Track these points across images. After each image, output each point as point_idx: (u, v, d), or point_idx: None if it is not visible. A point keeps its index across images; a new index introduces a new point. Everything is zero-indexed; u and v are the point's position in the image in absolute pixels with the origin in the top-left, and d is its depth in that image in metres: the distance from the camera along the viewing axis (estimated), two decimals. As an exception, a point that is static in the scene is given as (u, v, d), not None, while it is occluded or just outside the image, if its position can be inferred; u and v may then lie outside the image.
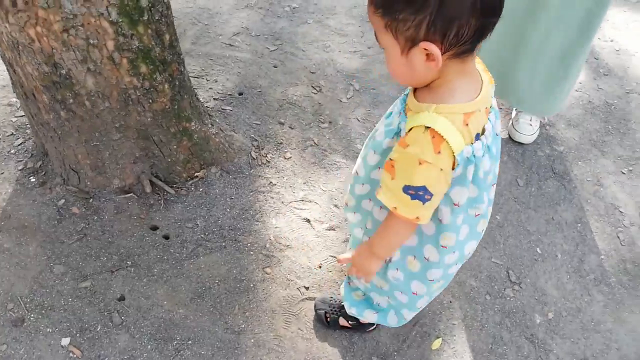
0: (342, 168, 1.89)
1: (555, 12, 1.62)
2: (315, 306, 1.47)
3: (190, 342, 1.39)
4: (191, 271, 1.53)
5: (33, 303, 1.43)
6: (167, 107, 1.57)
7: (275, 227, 1.68)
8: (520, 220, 1.80)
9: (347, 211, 1.20)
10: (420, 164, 0.80)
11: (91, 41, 1.30)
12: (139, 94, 1.49)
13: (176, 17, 2.39)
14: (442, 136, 0.79)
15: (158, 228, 1.63)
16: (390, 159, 0.85)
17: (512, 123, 2.07)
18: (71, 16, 1.24)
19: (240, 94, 2.10)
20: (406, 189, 0.83)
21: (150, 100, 1.52)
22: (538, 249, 1.72)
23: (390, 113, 0.97)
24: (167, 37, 1.46)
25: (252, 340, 1.42)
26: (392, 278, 1.11)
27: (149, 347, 1.37)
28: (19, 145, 1.83)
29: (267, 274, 1.56)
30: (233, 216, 1.68)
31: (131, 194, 1.68)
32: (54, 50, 1.30)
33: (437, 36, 0.74)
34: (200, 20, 2.49)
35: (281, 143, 1.93)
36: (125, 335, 1.38)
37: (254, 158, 1.85)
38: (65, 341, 1.36)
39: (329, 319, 1.43)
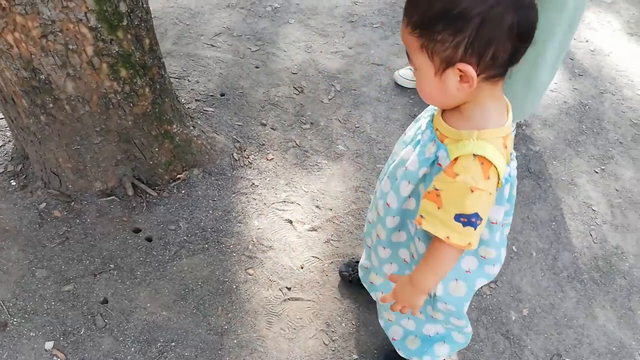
0: (324, 169, 1.92)
1: (551, 16, 1.60)
2: (340, 270, 1.58)
3: (173, 344, 1.41)
4: (174, 273, 1.55)
5: (16, 307, 1.43)
6: (148, 110, 1.58)
7: (258, 229, 1.70)
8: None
9: (379, 244, 1.17)
10: (472, 191, 0.81)
11: (70, 47, 1.31)
12: (119, 98, 1.49)
13: (157, 17, 2.39)
14: (491, 162, 0.80)
15: (140, 230, 1.64)
16: (436, 189, 0.85)
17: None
18: (49, 22, 1.24)
19: (222, 95, 2.11)
20: (458, 217, 0.84)
21: (131, 104, 1.53)
22: (514, 247, 1.77)
23: (418, 141, 0.95)
24: (147, 41, 1.47)
25: (235, 341, 1.44)
26: (444, 309, 1.13)
27: (132, 349, 1.38)
28: (-2, 148, 1.81)
29: (250, 275, 1.58)
30: (215, 218, 1.70)
31: (113, 197, 1.68)
32: (33, 56, 1.30)
33: (474, 58, 0.75)
34: (182, 20, 2.49)
35: (263, 144, 1.95)
36: (108, 339, 1.40)
37: (236, 159, 1.87)
38: (49, 345, 1.37)
39: (350, 279, 1.55)
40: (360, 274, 1.46)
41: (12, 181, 1.71)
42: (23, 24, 1.23)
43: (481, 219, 0.84)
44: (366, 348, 1.48)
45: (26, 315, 1.42)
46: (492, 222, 0.94)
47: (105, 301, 1.47)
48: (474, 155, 0.81)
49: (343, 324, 1.52)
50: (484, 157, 0.80)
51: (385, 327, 1.35)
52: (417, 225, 0.91)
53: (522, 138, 2.16)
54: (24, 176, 1.72)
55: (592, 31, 2.79)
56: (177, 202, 1.72)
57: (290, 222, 1.74)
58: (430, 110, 0.99)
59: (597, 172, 2.08)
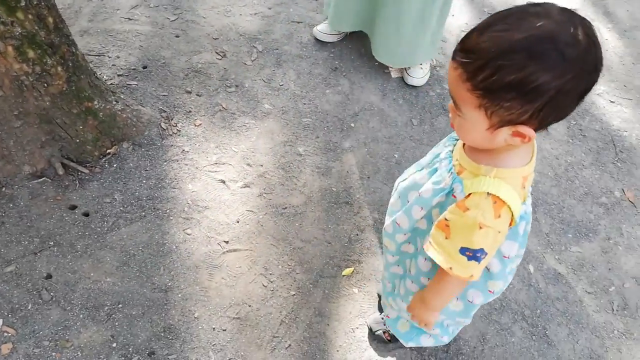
0: (252, 129, 2.01)
1: None
2: (371, 329, 1.52)
3: (120, 305, 1.51)
4: (114, 242, 1.63)
5: (-40, 294, 1.49)
6: (64, 89, 1.61)
7: (192, 192, 1.79)
8: (416, 156, 2.00)
9: (387, 253, 1.22)
10: (480, 228, 0.81)
11: (-31, 32, 1.31)
12: (32, 80, 1.51)
13: (67, -5, 2.34)
14: (504, 202, 0.80)
15: (77, 207, 1.69)
16: (446, 219, 0.86)
17: (405, 68, 2.24)
18: (-59, 9, 1.24)
19: (145, 67, 2.13)
20: (463, 250, 0.84)
21: (46, 85, 1.55)
22: (432, 179, 1.94)
23: (435, 169, 0.95)
24: (51, 19, 1.48)
25: (180, 295, 1.55)
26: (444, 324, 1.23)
27: (81, 316, 1.47)
28: None
29: (188, 234, 1.68)
30: (150, 186, 1.77)
31: (44, 178, 1.72)
32: None
33: (537, 122, 0.74)
34: (95, -4, 2.44)
35: (190, 111, 2.01)
36: (56, 310, 1.48)
37: (164, 129, 1.93)
38: (-1, 323, 1.44)
39: (389, 337, 1.50)
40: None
41: (-63, 175, 1.71)
42: None
43: (486, 254, 0.85)
44: (302, 284, 1.62)
45: (-28, 300, 1.48)
46: (505, 257, 0.96)
47: (49, 276, 1.54)
48: (487, 193, 0.80)
49: (280, 266, 1.65)
50: (497, 197, 0.80)
51: (384, 305, 1.43)
52: (426, 250, 0.92)
53: (437, 79, 2.30)
54: (-51, 169, 1.72)
55: (500, -30, 2.92)
56: (110, 176, 1.77)
57: (223, 181, 1.83)
58: (453, 138, 0.99)
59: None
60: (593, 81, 0.72)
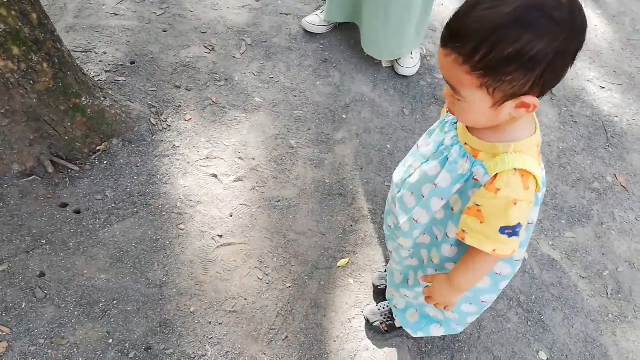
0: (243, 122, 1.99)
1: None
2: (368, 320, 1.52)
3: (115, 301, 1.50)
4: (107, 239, 1.61)
5: (-48, 295, 1.47)
6: (51, 86, 1.58)
7: (184, 187, 1.78)
8: (408, 145, 2.00)
9: (399, 250, 1.20)
10: (514, 204, 0.83)
11: (-49, 29, 1.29)
12: (17, 77, 1.49)
13: (51, -9, 2.31)
14: (530, 172, 0.82)
15: (68, 205, 1.68)
16: (477, 205, 0.87)
17: (395, 59, 2.23)
18: None
19: (132, 63, 2.11)
20: (503, 230, 0.86)
21: (32, 82, 1.53)
22: (424, 168, 1.94)
23: (445, 158, 0.94)
24: (35, 15, 1.46)
25: (175, 290, 1.54)
26: (451, 317, 1.23)
27: (76, 313, 1.46)
28: None
29: (182, 229, 1.67)
30: (141, 182, 1.76)
31: (34, 177, 1.70)
32: None
33: (539, 89, 0.75)
34: (80, -9, 2.41)
35: (180, 106, 1.99)
36: (50, 307, 1.47)
37: (154, 124, 1.91)
38: (-8, 324, 1.43)
39: (386, 328, 1.50)
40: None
41: None
42: None
43: (522, 226, 0.87)
44: (297, 276, 1.62)
45: (-36, 301, 1.46)
46: (529, 223, 0.98)
47: (42, 274, 1.52)
48: (514, 169, 0.82)
49: (274, 259, 1.65)
50: (525, 170, 0.82)
51: (389, 299, 1.42)
52: (460, 240, 0.93)
53: (427, 68, 2.30)
54: (-64, 170, 1.70)
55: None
56: (101, 173, 1.76)
57: (215, 176, 1.82)
58: (446, 122, 0.99)
59: (496, 91, 2.26)
60: (583, 39, 0.74)
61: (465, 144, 0.90)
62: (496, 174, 0.83)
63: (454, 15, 0.75)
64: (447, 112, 1.03)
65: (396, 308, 1.40)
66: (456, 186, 0.93)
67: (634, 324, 1.65)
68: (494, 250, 0.88)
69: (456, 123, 0.95)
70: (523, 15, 0.68)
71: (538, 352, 1.55)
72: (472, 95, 0.77)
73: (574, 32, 0.71)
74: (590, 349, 1.58)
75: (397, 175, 1.12)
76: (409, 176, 1.05)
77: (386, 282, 1.56)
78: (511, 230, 0.86)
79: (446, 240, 1.03)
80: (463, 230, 0.91)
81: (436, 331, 1.34)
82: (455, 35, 0.74)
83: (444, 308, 1.10)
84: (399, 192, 1.09)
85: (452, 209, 0.98)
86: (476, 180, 0.89)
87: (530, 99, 0.75)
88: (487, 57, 0.71)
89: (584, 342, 1.59)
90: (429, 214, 1.01)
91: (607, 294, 1.71)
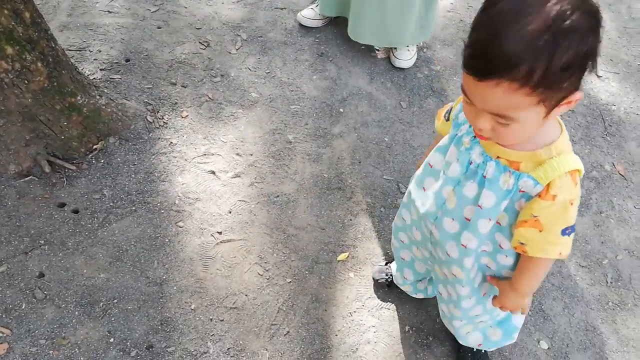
0: (240, 118, 1.99)
1: None
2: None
3: (116, 300, 1.49)
4: (106, 238, 1.61)
5: (-49, 298, 1.47)
6: (45, 85, 1.57)
7: (182, 184, 1.77)
8: (406, 138, 2.00)
9: (455, 283, 1.14)
10: (571, 204, 0.85)
11: (-58, 29, 1.28)
12: (12, 77, 1.48)
13: (44, -10, 2.29)
14: (577, 169, 0.84)
15: (65, 204, 1.67)
16: (534, 216, 0.87)
17: (392, 50, 2.22)
18: None
19: (127, 60, 2.09)
20: (564, 231, 0.87)
21: (26, 81, 1.52)
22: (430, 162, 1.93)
23: (482, 177, 0.90)
24: (27, 14, 1.45)
25: (175, 288, 1.54)
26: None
27: (76, 313, 1.46)
28: None
29: (180, 227, 1.67)
30: (139, 180, 1.75)
31: (31, 177, 1.69)
32: None
33: (580, 81, 0.74)
34: (73, -11, 2.39)
35: (176, 103, 1.98)
36: (51, 308, 1.46)
37: (150, 122, 1.90)
38: (-7, 325, 1.42)
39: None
40: (409, 289, 1.48)
41: None
42: None
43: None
44: (298, 271, 1.62)
45: (-36, 303, 1.46)
46: None
47: (42, 275, 1.52)
48: (565, 173, 0.83)
49: (274, 255, 1.65)
50: (574, 169, 0.83)
51: (464, 339, 1.34)
52: (521, 253, 0.93)
53: (424, 60, 2.29)
54: None
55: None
56: (98, 172, 1.75)
57: (213, 172, 1.82)
58: (460, 137, 0.95)
59: (493, 82, 2.25)
60: (601, 17, 0.73)
61: (499, 157, 0.87)
62: (548, 183, 0.83)
63: (477, 45, 0.72)
64: (452, 123, 1.01)
65: (481, 345, 1.34)
66: (503, 203, 0.90)
67: (633, 311, 1.66)
68: (560, 254, 0.89)
69: (475, 139, 0.92)
70: (561, 20, 0.67)
71: (539, 342, 1.55)
72: (526, 115, 0.74)
73: (598, 13, 0.71)
74: (590, 337, 1.58)
75: (422, 204, 1.07)
76: (443, 203, 1.01)
77: (386, 276, 1.56)
78: (570, 229, 0.87)
79: (500, 251, 1.03)
80: (521, 243, 0.91)
81: (518, 321, 1.31)
82: (500, 63, 0.69)
83: (522, 312, 1.12)
84: (435, 220, 1.04)
85: (499, 223, 0.97)
86: (523, 191, 0.87)
87: (578, 94, 0.75)
88: (546, 73, 0.68)
89: (585, 330, 1.60)
90: (477, 238, 0.98)
91: (607, 282, 1.72)
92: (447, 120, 1.07)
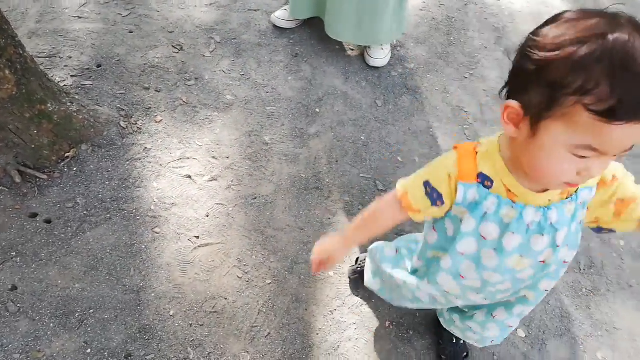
0: (215, 121, 1.97)
1: None
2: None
3: (92, 310, 1.47)
4: (80, 247, 1.58)
5: None
6: (14, 93, 1.54)
7: (158, 189, 1.75)
8: (382, 136, 2.01)
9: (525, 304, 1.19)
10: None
11: None
12: (-24, 85, 1.45)
13: (10, -4, 2.24)
14: None
15: (38, 215, 1.64)
16: (619, 200, 0.87)
17: (366, 50, 2.24)
18: None
19: (99, 66, 2.06)
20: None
21: (-8, 90, 1.48)
22: (399, 158, 1.95)
23: (551, 226, 0.88)
24: (-9, 21, 1.42)
25: (153, 295, 1.52)
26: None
27: (51, 325, 1.43)
28: None
29: (157, 233, 1.65)
30: (113, 187, 1.73)
31: (1, 188, 1.65)
32: None
33: None
34: (41, -4, 2.35)
35: (149, 108, 1.96)
36: (25, 321, 1.43)
37: (123, 128, 1.87)
38: (-35, 340, 1.39)
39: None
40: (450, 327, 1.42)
41: None
42: None
43: None
44: (277, 272, 1.61)
45: None
46: None
47: (14, 288, 1.49)
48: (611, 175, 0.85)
49: (253, 257, 1.64)
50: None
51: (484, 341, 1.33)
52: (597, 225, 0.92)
53: (398, 58, 2.31)
54: None
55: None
56: (70, 180, 1.72)
57: (189, 177, 1.80)
58: (495, 216, 0.89)
59: (466, 78, 2.28)
60: None
61: (549, 200, 0.86)
62: (600, 180, 0.85)
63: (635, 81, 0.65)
64: (461, 207, 0.91)
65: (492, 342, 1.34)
66: (573, 225, 0.90)
67: (606, 296, 1.70)
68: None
69: (513, 206, 0.87)
70: None
71: (516, 330, 1.58)
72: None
73: None
74: (566, 323, 1.62)
75: (483, 288, 1.05)
76: (522, 270, 0.97)
77: (358, 268, 1.59)
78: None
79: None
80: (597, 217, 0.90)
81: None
82: None
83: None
84: (516, 293, 1.10)
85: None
86: (582, 203, 0.87)
87: None
88: None
89: (560, 317, 1.63)
90: (557, 280, 1.06)
91: (580, 269, 1.75)
92: (441, 205, 0.94)
